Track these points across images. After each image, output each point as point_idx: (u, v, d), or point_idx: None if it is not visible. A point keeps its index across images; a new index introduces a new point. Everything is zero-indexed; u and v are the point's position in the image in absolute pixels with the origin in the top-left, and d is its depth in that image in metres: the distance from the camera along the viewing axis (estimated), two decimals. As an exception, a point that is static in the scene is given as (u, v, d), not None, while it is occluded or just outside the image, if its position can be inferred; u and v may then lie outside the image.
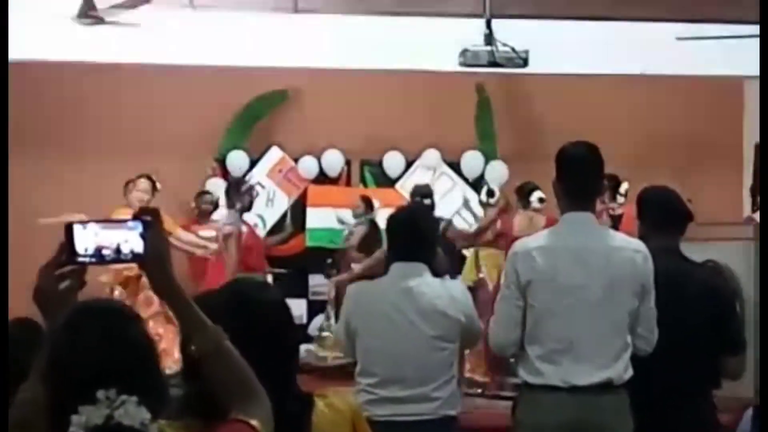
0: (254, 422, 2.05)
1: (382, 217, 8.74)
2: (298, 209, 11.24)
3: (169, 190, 10.25)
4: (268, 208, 11.22)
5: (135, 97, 11.53)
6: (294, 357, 2.69)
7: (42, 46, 8.48)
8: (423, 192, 9.49)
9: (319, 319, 10.27)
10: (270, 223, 11.06)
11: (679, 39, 8.38)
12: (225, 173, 11.31)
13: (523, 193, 9.25)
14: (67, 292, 2.06)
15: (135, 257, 2.05)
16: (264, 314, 2.59)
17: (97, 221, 2.07)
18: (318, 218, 11.06)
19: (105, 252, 2.04)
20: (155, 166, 10.89)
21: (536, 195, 9.03)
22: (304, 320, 10.69)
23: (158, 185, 9.41)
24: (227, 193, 9.44)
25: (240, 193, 9.20)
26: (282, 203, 11.34)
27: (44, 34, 8.56)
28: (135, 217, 2.10)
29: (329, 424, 2.64)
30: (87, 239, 2.04)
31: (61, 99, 11.33)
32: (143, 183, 9.34)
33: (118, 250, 2.05)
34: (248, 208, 9.35)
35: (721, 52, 8.59)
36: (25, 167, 10.36)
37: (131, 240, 2.05)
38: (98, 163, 11.09)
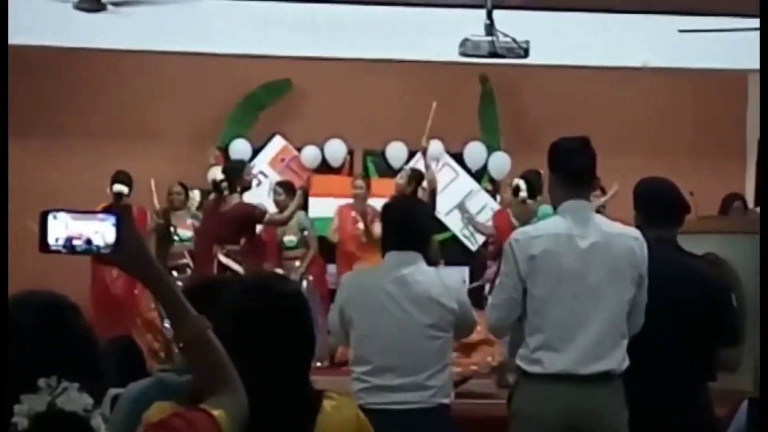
0: (216, 412, 2.05)
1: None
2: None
3: (172, 178, 10.27)
4: (271, 197, 11.21)
5: (138, 84, 11.58)
6: (310, 352, 2.69)
7: (46, 31, 8.49)
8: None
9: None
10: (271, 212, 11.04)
11: (681, 31, 8.36)
12: (227, 161, 11.30)
13: None
14: None
15: (107, 248, 2.06)
16: (284, 306, 2.60)
17: (69, 211, 2.07)
18: (321, 208, 11.04)
19: (76, 242, 2.05)
20: (158, 154, 10.94)
21: None
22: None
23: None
24: (230, 175, 9.39)
25: (242, 178, 9.21)
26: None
27: (49, 19, 8.57)
28: (107, 210, 2.11)
29: (335, 426, 2.62)
30: (58, 229, 2.05)
31: (63, 85, 11.38)
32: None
33: (89, 241, 2.06)
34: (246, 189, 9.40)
35: (725, 44, 8.57)
36: (29, 153, 10.42)
37: (103, 232, 2.06)
38: (100, 150, 11.12)
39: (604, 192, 9.14)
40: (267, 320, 2.55)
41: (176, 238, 9.73)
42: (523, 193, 9.03)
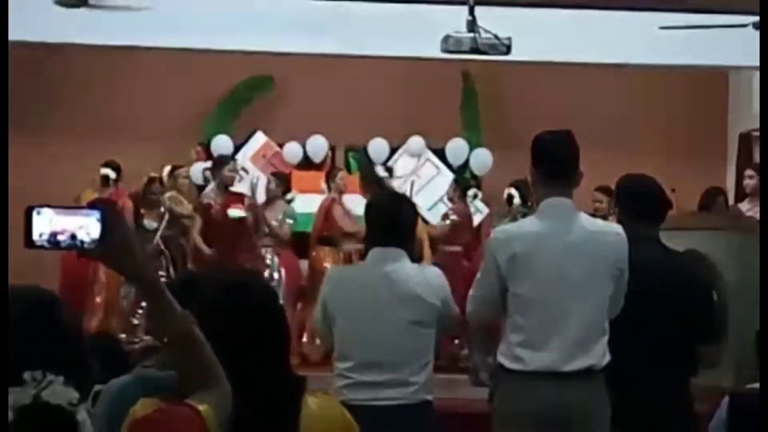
0: (202, 407, 2.05)
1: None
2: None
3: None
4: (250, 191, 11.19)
5: (119, 80, 11.54)
6: (284, 339, 2.67)
7: (23, 27, 8.44)
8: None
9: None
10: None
11: (662, 28, 8.39)
12: (209, 157, 11.31)
13: None
14: None
15: (92, 244, 2.04)
16: (256, 300, 2.61)
17: (52, 207, 2.05)
18: (302, 204, 11.03)
19: (60, 238, 2.03)
20: (139, 149, 10.90)
21: None
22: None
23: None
24: (213, 168, 9.79)
25: (223, 172, 9.47)
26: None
27: (30, 14, 8.52)
28: (92, 205, 2.08)
29: (320, 424, 2.61)
30: (42, 225, 2.04)
31: (44, 81, 11.32)
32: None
33: (73, 237, 2.04)
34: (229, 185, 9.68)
35: (706, 42, 8.60)
36: (11, 149, 10.35)
37: (87, 226, 2.04)
38: (80, 146, 11.09)
39: (609, 195, 8.42)
40: (237, 314, 2.55)
41: (144, 223, 9.70)
42: (517, 200, 9.09)
